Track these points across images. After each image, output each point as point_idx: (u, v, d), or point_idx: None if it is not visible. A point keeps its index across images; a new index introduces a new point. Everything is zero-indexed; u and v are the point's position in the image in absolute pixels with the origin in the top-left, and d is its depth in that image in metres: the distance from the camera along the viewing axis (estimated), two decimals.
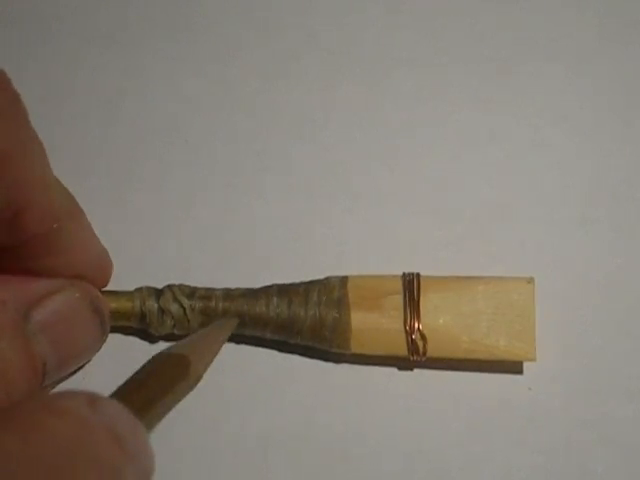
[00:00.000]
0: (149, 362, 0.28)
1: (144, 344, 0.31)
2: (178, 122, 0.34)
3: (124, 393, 0.27)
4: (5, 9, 0.35)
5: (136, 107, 0.34)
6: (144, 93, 0.34)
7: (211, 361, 0.29)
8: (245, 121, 0.34)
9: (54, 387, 0.29)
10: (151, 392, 0.27)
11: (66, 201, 0.26)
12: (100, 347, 0.29)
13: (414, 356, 0.29)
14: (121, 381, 0.30)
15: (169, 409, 0.28)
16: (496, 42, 0.35)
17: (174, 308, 0.30)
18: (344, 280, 0.30)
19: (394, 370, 0.30)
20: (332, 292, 0.30)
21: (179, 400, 0.28)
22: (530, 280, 0.30)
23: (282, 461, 0.30)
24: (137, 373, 0.28)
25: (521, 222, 0.32)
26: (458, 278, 0.30)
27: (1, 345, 0.23)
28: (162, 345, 0.31)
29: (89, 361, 0.30)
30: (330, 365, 0.30)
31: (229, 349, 0.30)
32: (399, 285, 0.30)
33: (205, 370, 0.29)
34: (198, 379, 0.28)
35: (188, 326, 0.30)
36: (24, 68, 0.34)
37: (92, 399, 0.21)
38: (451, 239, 0.32)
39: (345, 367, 0.30)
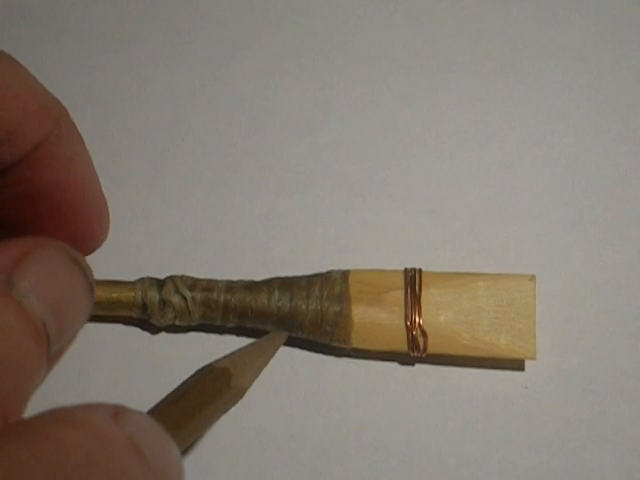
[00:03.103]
0: (191, 376, 0.28)
1: (145, 334, 0.31)
2: (176, 120, 0.34)
3: (161, 407, 0.27)
4: (5, 9, 0.35)
5: (134, 106, 0.34)
6: (142, 92, 0.34)
7: (257, 374, 0.28)
8: (244, 120, 0.34)
9: (59, 358, 0.28)
10: (189, 405, 0.27)
11: (64, 110, 0.25)
12: (92, 304, 0.28)
13: (414, 352, 0.29)
14: (122, 371, 0.30)
15: (210, 422, 0.28)
16: (495, 42, 0.35)
17: (176, 300, 0.29)
18: (346, 274, 0.30)
19: (394, 365, 0.30)
20: (334, 286, 0.30)
21: (221, 413, 0.28)
22: (532, 278, 0.30)
23: (279, 455, 0.30)
24: (177, 387, 0.28)
25: (520, 221, 0.32)
26: (460, 274, 0.30)
27: None
28: (164, 336, 0.31)
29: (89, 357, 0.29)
30: (330, 359, 0.30)
31: (229, 342, 0.30)
32: (401, 280, 0.30)
33: (250, 384, 0.28)
34: (242, 392, 0.28)
35: (189, 317, 0.30)
36: None
37: (116, 411, 0.20)
38: (450, 237, 0.32)
39: (344, 361, 0.30)
